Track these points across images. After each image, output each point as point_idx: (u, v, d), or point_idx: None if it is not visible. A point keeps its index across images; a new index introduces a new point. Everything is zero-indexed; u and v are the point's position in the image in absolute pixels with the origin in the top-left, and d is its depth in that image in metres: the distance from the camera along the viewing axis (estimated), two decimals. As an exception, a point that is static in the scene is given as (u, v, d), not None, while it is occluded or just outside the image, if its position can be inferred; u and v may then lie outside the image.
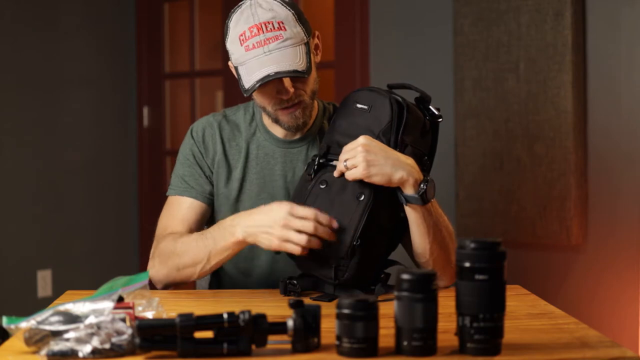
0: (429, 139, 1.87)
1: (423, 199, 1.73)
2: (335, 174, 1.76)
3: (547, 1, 3.15)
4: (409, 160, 1.74)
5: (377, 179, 1.71)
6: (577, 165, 3.12)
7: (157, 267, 1.87)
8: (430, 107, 1.86)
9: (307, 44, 1.83)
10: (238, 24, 1.82)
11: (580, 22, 3.13)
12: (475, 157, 3.37)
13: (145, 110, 4.61)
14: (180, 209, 1.97)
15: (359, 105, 1.83)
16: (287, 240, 1.69)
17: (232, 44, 1.84)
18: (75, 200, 4.36)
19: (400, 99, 1.82)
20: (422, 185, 1.73)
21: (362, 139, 1.73)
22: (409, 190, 1.74)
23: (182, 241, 1.85)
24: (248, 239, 1.74)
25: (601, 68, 3.11)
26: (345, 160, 1.73)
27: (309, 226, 1.68)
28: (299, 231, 1.68)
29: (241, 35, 1.81)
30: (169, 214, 1.98)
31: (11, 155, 4.08)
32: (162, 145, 4.60)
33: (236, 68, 1.86)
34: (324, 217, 1.70)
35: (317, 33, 1.92)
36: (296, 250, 1.69)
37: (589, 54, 3.14)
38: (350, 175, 1.72)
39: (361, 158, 1.70)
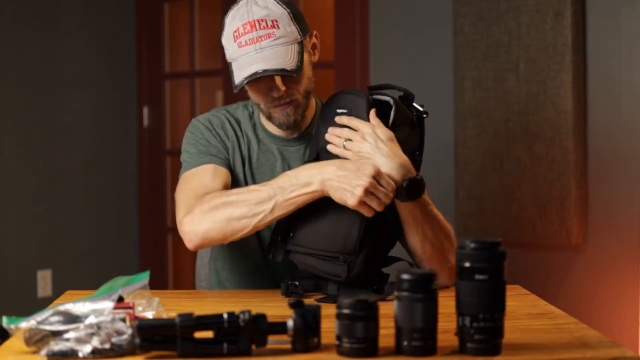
0: (417, 134, 1.88)
1: (401, 195, 1.74)
2: (333, 150, 1.79)
3: (547, 1, 3.15)
4: (400, 157, 1.75)
5: None
6: (577, 165, 3.12)
7: (198, 220, 1.75)
8: (414, 104, 1.87)
9: (300, 43, 1.83)
10: (233, 21, 1.83)
11: (580, 22, 3.13)
12: (475, 157, 3.37)
13: (145, 110, 4.61)
14: (206, 174, 1.88)
15: (339, 110, 1.84)
16: (366, 204, 1.69)
17: (226, 39, 1.85)
18: (75, 200, 4.35)
19: (388, 99, 1.82)
20: (403, 183, 1.73)
21: (366, 127, 1.76)
22: None
23: (236, 192, 1.77)
24: (325, 191, 1.70)
25: (601, 68, 3.11)
26: (345, 140, 1.77)
27: (388, 197, 1.70)
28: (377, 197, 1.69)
29: (235, 31, 1.82)
30: (197, 179, 1.87)
31: (11, 155, 4.08)
32: (162, 145, 4.59)
33: (230, 64, 1.86)
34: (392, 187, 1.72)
35: (315, 33, 1.92)
36: (369, 214, 1.70)
37: (589, 54, 3.14)
38: (340, 153, 1.77)
39: (356, 147, 1.75)
